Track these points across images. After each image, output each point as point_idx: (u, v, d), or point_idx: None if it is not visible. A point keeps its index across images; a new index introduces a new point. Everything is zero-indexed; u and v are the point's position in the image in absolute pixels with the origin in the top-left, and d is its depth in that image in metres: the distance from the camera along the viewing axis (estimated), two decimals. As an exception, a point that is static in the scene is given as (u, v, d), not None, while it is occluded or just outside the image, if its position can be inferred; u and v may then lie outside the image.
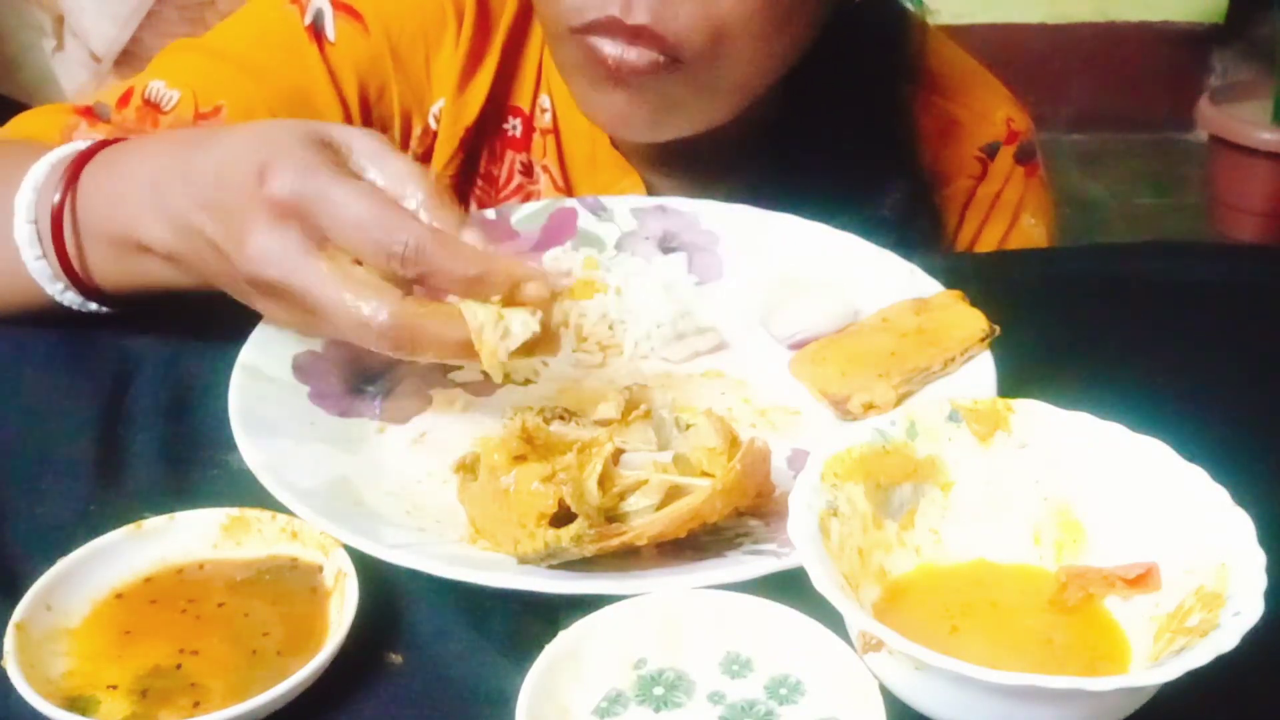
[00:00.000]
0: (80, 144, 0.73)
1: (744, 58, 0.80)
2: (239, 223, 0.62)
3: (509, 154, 0.96)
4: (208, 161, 0.65)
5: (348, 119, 0.90)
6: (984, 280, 0.78)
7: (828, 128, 0.92)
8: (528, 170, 0.96)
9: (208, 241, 0.64)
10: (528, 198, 0.96)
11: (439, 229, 0.61)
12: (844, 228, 0.84)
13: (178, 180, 0.66)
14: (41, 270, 0.72)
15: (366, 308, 0.60)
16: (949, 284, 0.77)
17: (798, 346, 0.77)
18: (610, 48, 0.78)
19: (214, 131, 0.71)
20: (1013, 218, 1.02)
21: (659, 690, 0.52)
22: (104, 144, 0.73)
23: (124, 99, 0.87)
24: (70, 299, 0.74)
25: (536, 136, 0.96)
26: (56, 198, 0.70)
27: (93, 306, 0.75)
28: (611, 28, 0.77)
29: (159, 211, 0.67)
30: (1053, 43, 3.04)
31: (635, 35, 0.77)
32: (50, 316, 0.75)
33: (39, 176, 0.72)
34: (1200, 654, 0.45)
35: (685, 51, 0.78)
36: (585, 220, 0.86)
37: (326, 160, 0.62)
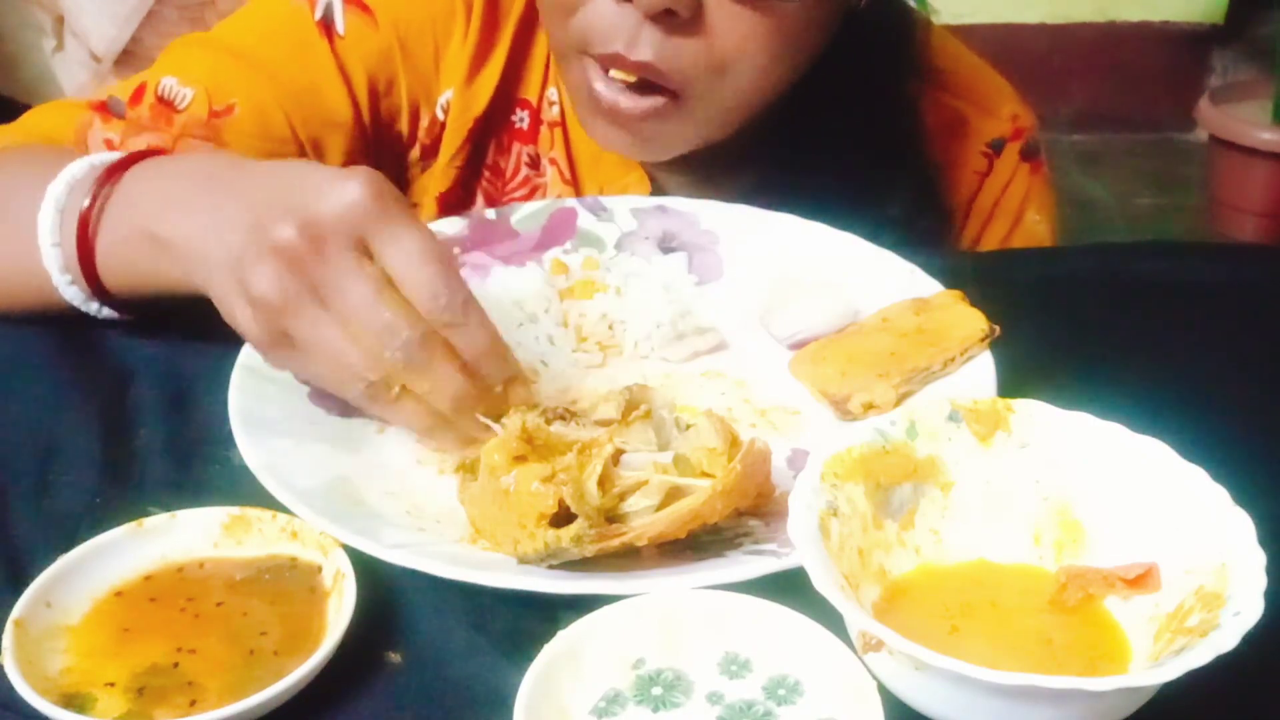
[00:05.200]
0: (104, 156, 0.74)
1: (746, 86, 0.81)
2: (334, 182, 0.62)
3: (516, 146, 0.96)
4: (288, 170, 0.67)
5: (357, 113, 0.90)
6: (984, 280, 0.78)
7: (834, 125, 0.93)
8: (534, 163, 0.96)
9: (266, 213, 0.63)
10: (534, 191, 0.96)
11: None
12: (851, 225, 0.84)
13: (242, 174, 0.67)
14: (75, 295, 0.73)
15: (400, 318, 0.61)
16: (949, 284, 0.77)
17: (798, 346, 0.77)
18: (606, 91, 0.80)
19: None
20: (1017, 214, 1.02)
21: (657, 690, 0.52)
22: (137, 157, 0.73)
23: (136, 95, 0.87)
24: (107, 314, 0.75)
25: (544, 129, 0.96)
26: (85, 202, 0.70)
27: (129, 317, 0.76)
28: (616, 62, 0.78)
29: (202, 206, 0.67)
30: (1053, 43, 3.04)
31: (639, 70, 0.78)
32: (56, 311, 0.76)
33: (59, 195, 0.72)
34: (1200, 654, 0.45)
35: (689, 88, 0.79)
36: (585, 220, 0.86)
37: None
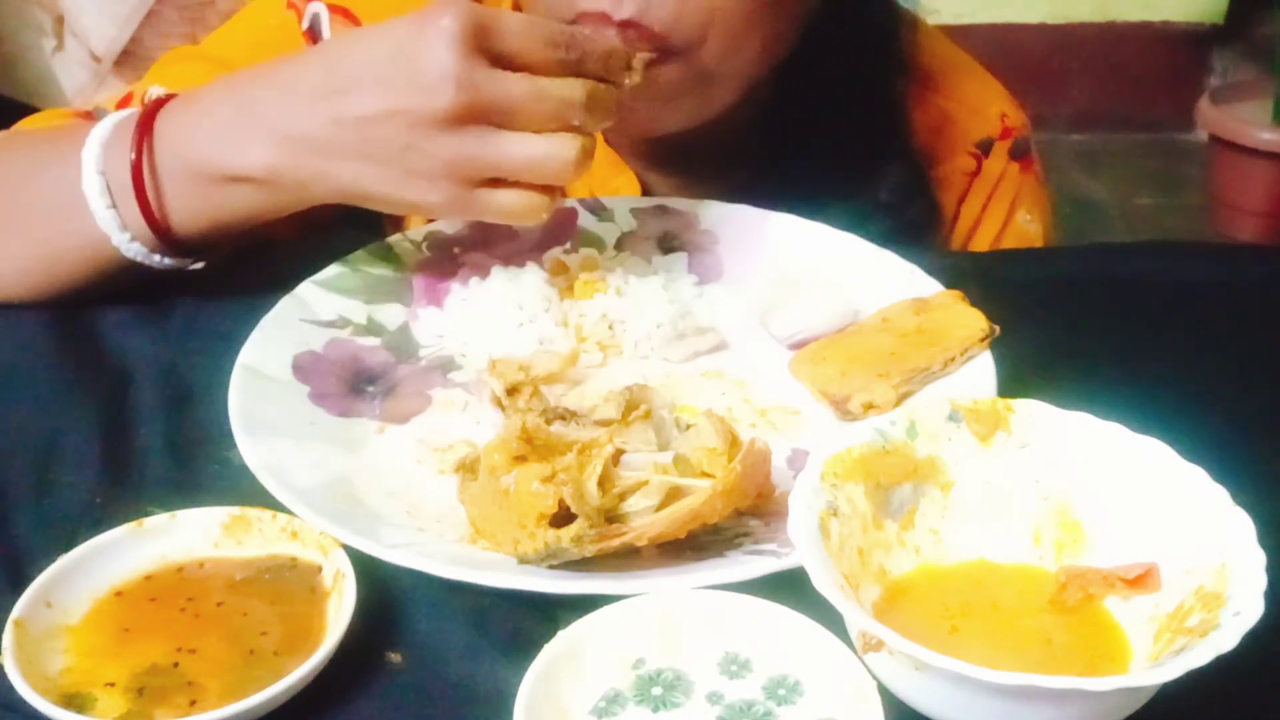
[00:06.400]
0: (124, 113, 0.75)
1: (735, 45, 0.80)
2: (423, 70, 0.66)
3: None
4: (331, 61, 0.70)
5: None
6: (984, 280, 0.78)
7: (820, 123, 0.92)
8: None
9: (358, 119, 0.67)
10: None
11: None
12: (841, 214, 0.83)
13: (288, 92, 0.70)
14: (110, 219, 0.74)
15: (566, 88, 0.67)
16: (949, 284, 0.77)
17: (798, 346, 0.77)
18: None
19: (315, 51, 0.76)
20: (1007, 214, 1.01)
21: (657, 690, 0.52)
22: (171, 96, 0.75)
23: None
24: (136, 250, 0.75)
25: None
26: (132, 154, 0.72)
27: (156, 259, 0.76)
28: (600, 21, 0.77)
29: (260, 131, 0.70)
30: (1053, 43, 3.04)
31: (624, 29, 0.77)
32: (100, 285, 0.77)
33: (105, 133, 0.74)
34: (1200, 654, 0.45)
35: (675, 42, 0.78)
36: (585, 220, 0.86)
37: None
